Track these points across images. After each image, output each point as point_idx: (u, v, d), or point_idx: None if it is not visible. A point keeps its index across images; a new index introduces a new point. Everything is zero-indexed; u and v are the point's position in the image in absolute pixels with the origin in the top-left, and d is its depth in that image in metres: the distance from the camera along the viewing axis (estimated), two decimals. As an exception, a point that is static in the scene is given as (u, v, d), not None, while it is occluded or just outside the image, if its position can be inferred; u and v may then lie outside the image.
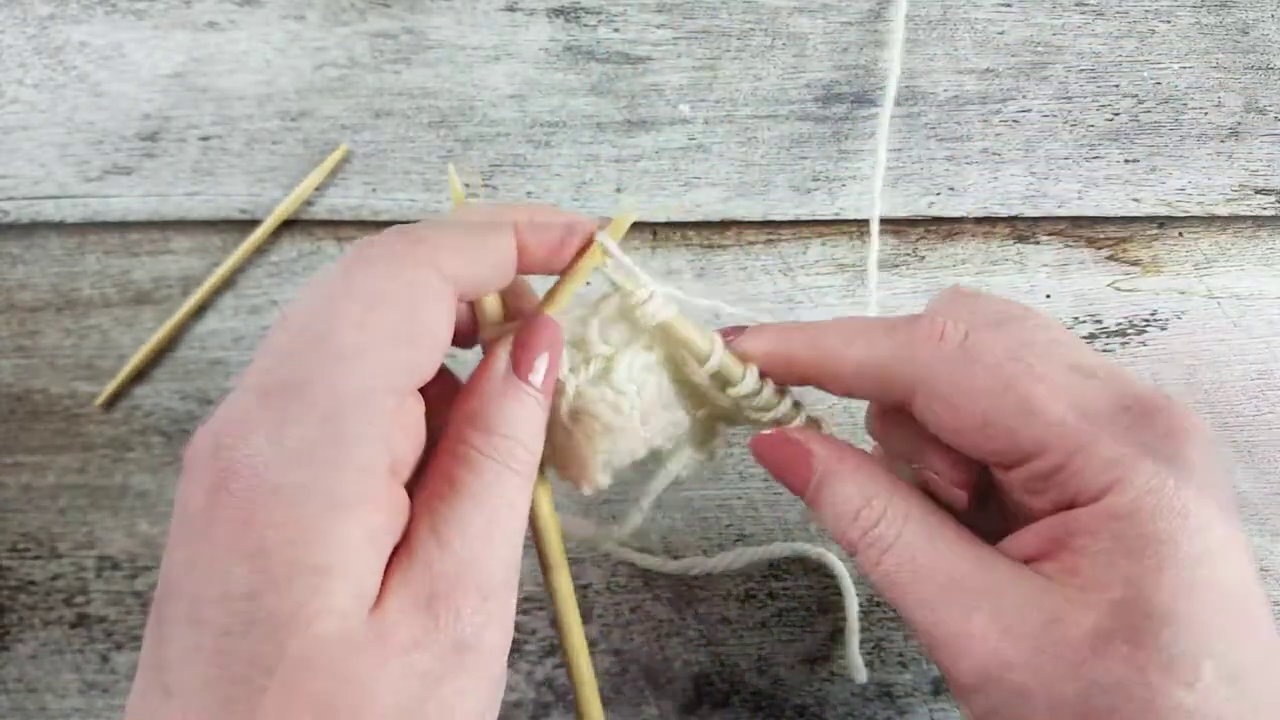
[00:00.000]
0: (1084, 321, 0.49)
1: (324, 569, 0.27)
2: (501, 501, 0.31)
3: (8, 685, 0.50)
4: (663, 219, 0.49)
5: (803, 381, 0.36)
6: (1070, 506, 0.31)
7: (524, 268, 0.34)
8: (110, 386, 0.49)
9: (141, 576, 0.50)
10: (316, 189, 0.49)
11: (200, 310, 0.50)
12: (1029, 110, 0.49)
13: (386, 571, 0.29)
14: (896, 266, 0.49)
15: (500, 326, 0.35)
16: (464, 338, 0.36)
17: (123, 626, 0.50)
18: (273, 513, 0.27)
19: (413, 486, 0.31)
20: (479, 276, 0.33)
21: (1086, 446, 0.30)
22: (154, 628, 0.28)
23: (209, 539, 0.27)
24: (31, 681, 0.50)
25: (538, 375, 0.33)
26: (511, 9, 0.49)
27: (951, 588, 0.32)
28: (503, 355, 0.33)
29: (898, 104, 0.49)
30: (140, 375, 0.50)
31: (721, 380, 0.36)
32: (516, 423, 0.32)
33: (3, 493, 0.50)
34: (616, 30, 0.49)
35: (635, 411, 0.36)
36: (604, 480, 0.36)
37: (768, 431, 0.37)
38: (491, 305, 0.35)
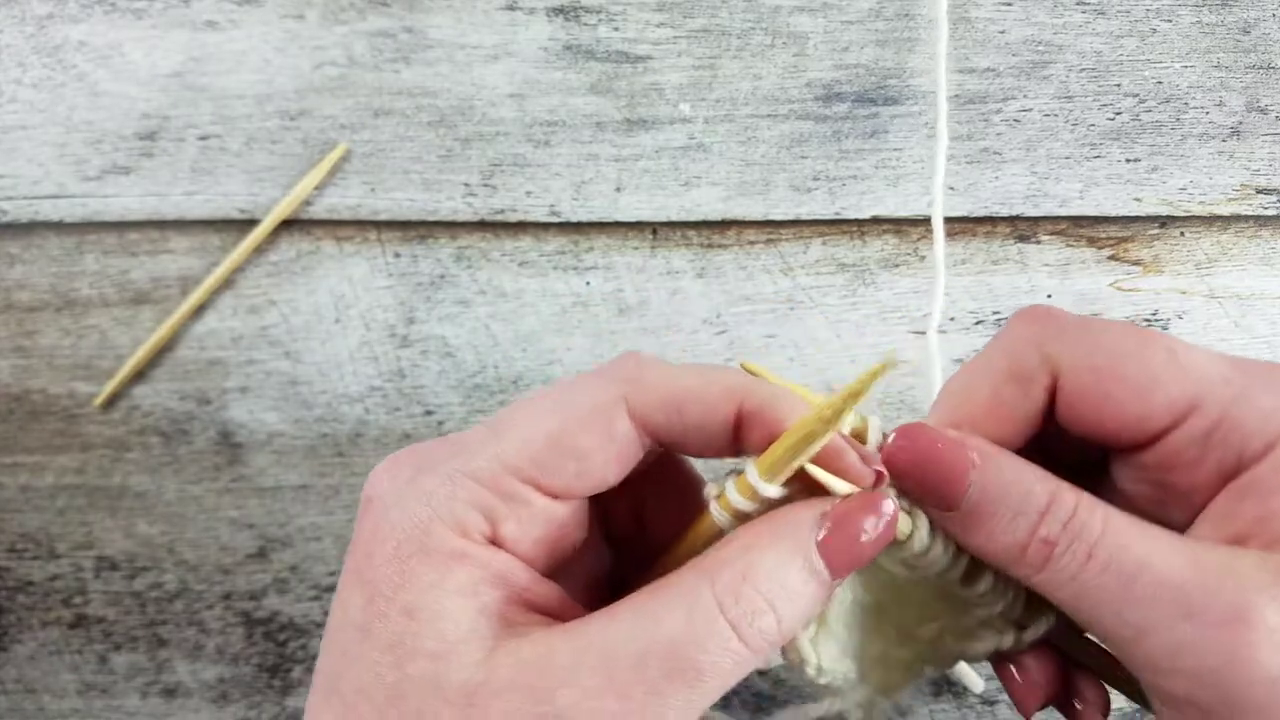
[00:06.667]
0: (1085, 321, 0.49)
1: (412, 610, 0.27)
2: (704, 675, 0.26)
3: (6, 686, 0.50)
4: (663, 219, 0.49)
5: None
6: (1234, 474, 0.28)
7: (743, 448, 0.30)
8: (109, 386, 0.49)
9: (140, 577, 0.50)
10: (315, 188, 0.49)
11: (199, 310, 0.49)
12: (1030, 110, 0.49)
13: (537, 636, 0.27)
14: (897, 266, 0.49)
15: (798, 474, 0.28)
16: (725, 445, 0.31)
17: (121, 627, 0.50)
18: (384, 548, 0.28)
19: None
20: (674, 434, 0.29)
21: (1243, 395, 0.28)
22: None
23: (347, 564, 0.29)
24: (30, 682, 0.50)
25: (844, 566, 0.27)
26: (511, 8, 0.49)
27: (1186, 587, 0.26)
28: (812, 515, 0.27)
29: (897, 104, 0.49)
30: (139, 375, 0.50)
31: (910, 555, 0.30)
32: (785, 590, 0.26)
33: (1, 493, 0.50)
34: (616, 29, 0.49)
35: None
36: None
37: (908, 425, 0.29)
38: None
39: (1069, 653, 0.32)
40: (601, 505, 0.34)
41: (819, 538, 0.27)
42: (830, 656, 0.31)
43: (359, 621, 0.27)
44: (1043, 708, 0.32)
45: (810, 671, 0.31)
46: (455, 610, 0.27)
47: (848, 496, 0.28)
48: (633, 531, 0.36)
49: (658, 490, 0.35)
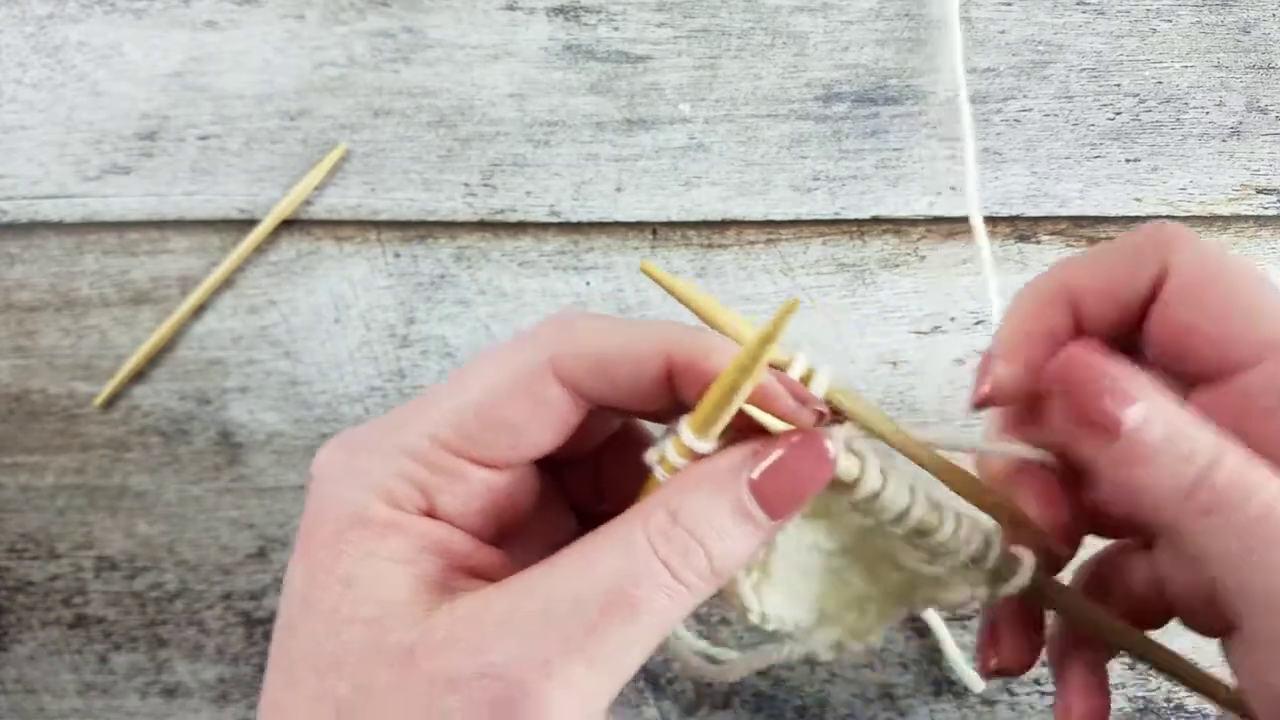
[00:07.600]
0: (1085, 321, 0.49)
1: (348, 579, 0.27)
2: (638, 611, 0.26)
3: (6, 686, 0.50)
4: (663, 219, 0.49)
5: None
6: None
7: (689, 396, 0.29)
8: (109, 387, 0.49)
9: (140, 577, 0.50)
10: (315, 188, 0.49)
11: (199, 310, 0.49)
12: (1030, 109, 0.49)
13: (474, 593, 0.27)
14: (897, 266, 0.49)
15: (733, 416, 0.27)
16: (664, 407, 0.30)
17: (121, 627, 0.50)
18: (323, 524, 0.28)
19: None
20: (607, 397, 0.29)
21: None
22: None
23: (295, 544, 0.29)
24: (30, 682, 0.50)
25: (780, 506, 0.27)
26: (511, 8, 0.49)
27: None
28: (741, 454, 0.27)
29: (897, 104, 0.49)
30: (139, 375, 0.50)
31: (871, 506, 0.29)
32: (713, 528, 0.27)
33: (1, 493, 0.50)
34: (616, 29, 0.49)
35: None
36: None
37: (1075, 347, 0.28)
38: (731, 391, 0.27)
39: (1091, 629, 0.32)
40: (561, 475, 0.34)
41: (751, 477, 0.27)
42: (775, 604, 0.31)
43: (301, 593, 0.28)
44: (1003, 675, 0.32)
45: (753, 619, 0.31)
46: (392, 577, 0.27)
47: (777, 434, 0.28)
48: (596, 502, 0.35)
49: (616, 460, 0.35)
